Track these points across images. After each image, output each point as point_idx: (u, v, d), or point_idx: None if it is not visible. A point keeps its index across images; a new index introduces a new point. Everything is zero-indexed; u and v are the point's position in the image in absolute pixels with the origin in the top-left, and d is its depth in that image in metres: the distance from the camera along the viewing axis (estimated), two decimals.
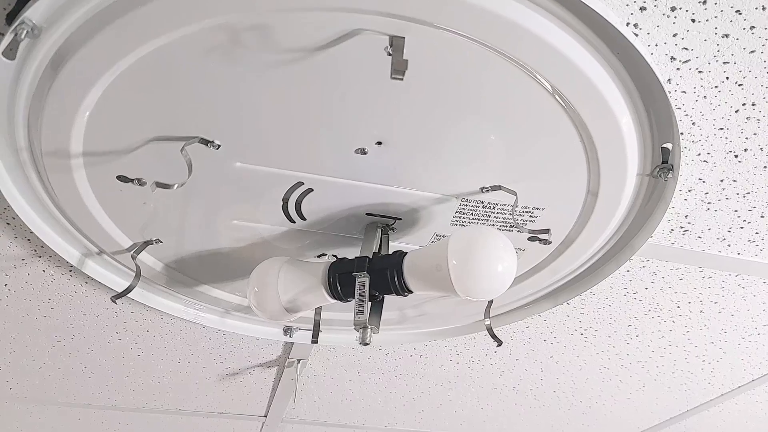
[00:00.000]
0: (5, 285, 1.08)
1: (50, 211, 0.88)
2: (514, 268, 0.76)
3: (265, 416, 1.64)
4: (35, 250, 0.99)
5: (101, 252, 0.95)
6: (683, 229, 0.92)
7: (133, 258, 0.91)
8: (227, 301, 1.07)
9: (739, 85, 0.70)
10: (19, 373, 1.40)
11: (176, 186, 0.71)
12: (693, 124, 0.75)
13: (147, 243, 0.91)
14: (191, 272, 0.99)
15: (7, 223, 0.93)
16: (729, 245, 0.96)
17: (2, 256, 1.00)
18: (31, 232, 0.91)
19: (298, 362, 1.33)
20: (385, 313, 1.11)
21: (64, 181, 0.79)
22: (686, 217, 0.90)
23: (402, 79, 0.55)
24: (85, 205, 0.83)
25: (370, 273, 0.80)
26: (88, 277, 1.02)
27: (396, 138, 0.74)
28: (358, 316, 0.79)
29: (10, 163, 0.78)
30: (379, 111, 0.70)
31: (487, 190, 0.81)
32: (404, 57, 0.59)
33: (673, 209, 0.88)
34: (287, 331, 1.18)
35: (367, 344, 0.79)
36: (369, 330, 0.80)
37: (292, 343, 1.27)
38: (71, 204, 0.83)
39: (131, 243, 0.91)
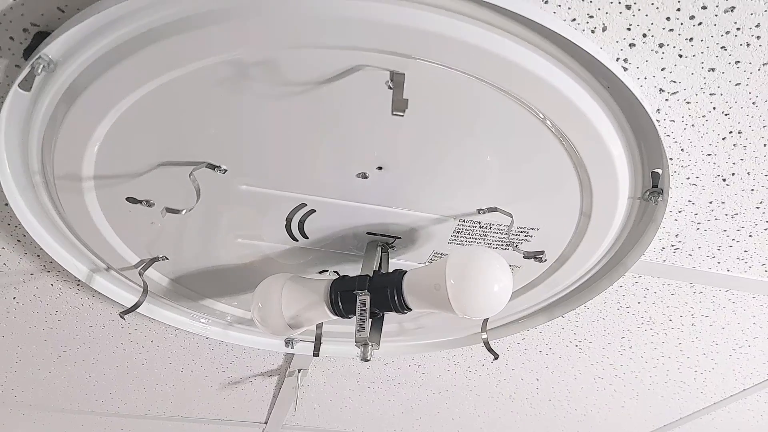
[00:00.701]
0: (14, 298, 1.11)
1: (60, 229, 0.91)
2: (510, 288, 0.78)
3: (266, 423, 1.67)
4: (44, 266, 1.02)
5: (109, 268, 0.98)
6: (674, 248, 0.95)
7: (141, 274, 0.93)
8: (231, 314, 1.10)
9: (726, 115, 0.73)
10: (25, 381, 1.43)
11: (185, 211, 0.73)
12: (682, 150, 0.78)
13: (154, 260, 0.94)
14: (196, 287, 1.02)
15: (18, 240, 0.96)
16: (719, 262, 0.99)
17: (12, 271, 1.03)
18: (41, 249, 0.93)
19: (299, 372, 1.36)
20: (385, 326, 1.13)
21: (75, 202, 0.81)
22: (677, 236, 0.93)
23: (402, 116, 0.58)
24: (94, 225, 0.86)
25: (371, 291, 0.83)
26: (95, 291, 1.05)
27: (396, 163, 0.76)
28: (360, 333, 0.82)
29: (22, 184, 0.81)
30: (380, 139, 0.73)
31: (484, 212, 0.84)
32: (404, 91, 0.62)
33: (663, 228, 0.91)
34: (289, 342, 1.21)
35: (368, 360, 0.82)
36: (370, 346, 0.82)
37: (293, 354, 1.30)
38: (81, 223, 0.86)
39: (138, 259, 0.94)
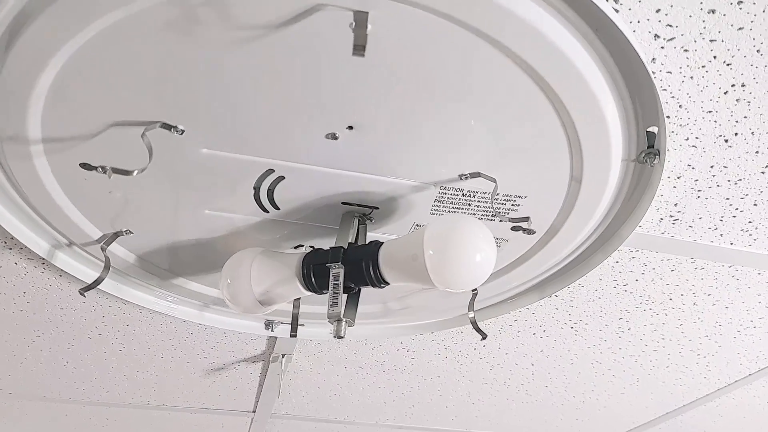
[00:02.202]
0: None
1: (16, 202, 0.85)
2: (493, 258, 0.72)
3: (254, 412, 1.62)
4: (5, 242, 0.96)
5: (71, 243, 0.92)
6: (673, 219, 0.89)
7: (103, 249, 0.88)
8: (204, 294, 1.04)
9: (728, 65, 0.67)
10: (1, 368, 1.38)
11: (136, 172, 0.67)
12: (680, 106, 0.71)
13: (117, 234, 0.88)
14: (165, 264, 0.96)
15: None
16: (721, 235, 0.92)
17: None
18: None
19: (283, 357, 1.30)
20: (368, 307, 1.08)
21: (25, 168, 0.76)
22: (676, 205, 0.86)
23: (363, 56, 0.52)
24: (49, 195, 0.80)
25: (345, 264, 0.77)
26: (62, 270, 0.99)
27: (367, 122, 0.70)
28: (332, 308, 0.76)
29: None
30: (348, 93, 0.67)
31: (466, 178, 0.78)
32: (373, 37, 0.56)
33: (662, 197, 0.84)
34: (269, 325, 1.15)
35: (342, 337, 0.76)
36: (344, 323, 0.77)
37: (276, 338, 1.24)
38: (35, 193, 0.80)
39: (101, 234, 0.88)
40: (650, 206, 0.83)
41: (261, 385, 1.47)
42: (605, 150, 0.72)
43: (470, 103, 0.68)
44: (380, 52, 0.61)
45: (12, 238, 0.94)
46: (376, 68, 0.63)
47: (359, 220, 0.85)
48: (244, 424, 1.69)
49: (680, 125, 0.74)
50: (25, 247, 0.94)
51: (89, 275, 0.98)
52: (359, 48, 0.51)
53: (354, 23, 0.55)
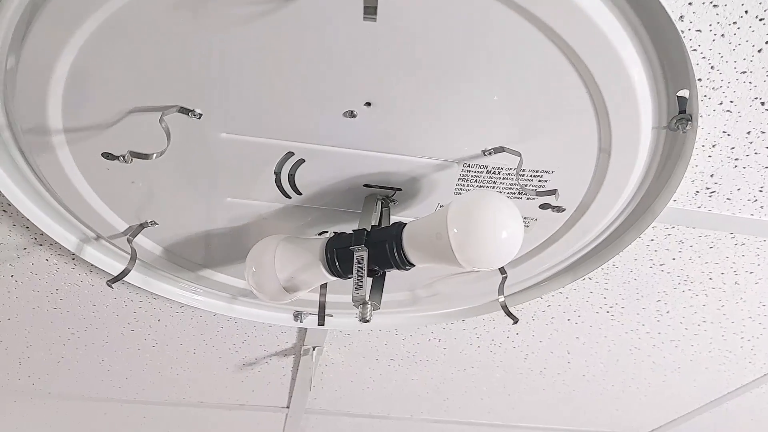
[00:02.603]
0: (11, 276, 1.07)
1: (43, 196, 0.87)
2: (519, 234, 0.70)
3: (288, 408, 1.61)
4: (35, 238, 0.97)
5: (99, 237, 0.93)
6: (710, 191, 0.85)
7: (129, 241, 0.88)
8: (232, 285, 1.04)
9: (761, 20, 0.63)
10: (39, 367, 1.40)
11: (155, 155, 0.67)
12: (711, 68, 0.68)
13: (142, 225, 0.89)
14: (192, 255, 0.96)
15: (3, 211, 0.91)
16: (762, 206, 0.88)
17: (4, 246, 0.99)
18: (27, 219, 0.89)
19: (313, 350, 1.29)
20: (396, 294, 1.07)
21: (49, 160, 0.76)
22: (712, 176, 0.83)
23: (374, 19, 0.51)
24: (74, 187, 0.81)
25: (368, 246, 0.76)
26: (92, 265, 1.00)
27: (386, 97, 0.69)
28: (357, 291, 0.75)
29: None
30: (363, 66, 0.65)
31: (490, 153, 0.76)
32: (387, 6, 0.54)
33: (696, 168, 0.81)
34: (297, 316, 1.15)
35: (368, 321, 0.74)
36: (369, 306, 0.75)
37: (306, 330, 1.24)
38: (61, 186, 0.81)
39: (127, 226, 0.89)
40: (684, 178, 0.79)
41: (293, 379, 1.46)
42: (634, 117, 0.69)
43: (490, 73, 0.66)
44: (395, 19, 0.59)
45: (42, 233, 0.95)
46: (391, 38, 0.61)
47: (382, 202, 0.84)
48: (279, 420, 1.69)
49: (713, 88, 0.70)
50: (55, 242, 0.95)
51: (118, 269, 0.98)
52: (370, 10, 0.50)
53: None
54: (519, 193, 0.81)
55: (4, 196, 0.85)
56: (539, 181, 0.80)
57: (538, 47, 0.63)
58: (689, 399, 1.51)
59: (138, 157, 0.67)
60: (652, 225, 0.88)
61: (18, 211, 0.88)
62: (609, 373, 1.39)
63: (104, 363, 1.39)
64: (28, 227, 0.95)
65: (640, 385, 1.45)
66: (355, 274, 0.76)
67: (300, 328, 1.24)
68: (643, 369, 1.37)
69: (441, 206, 0.85)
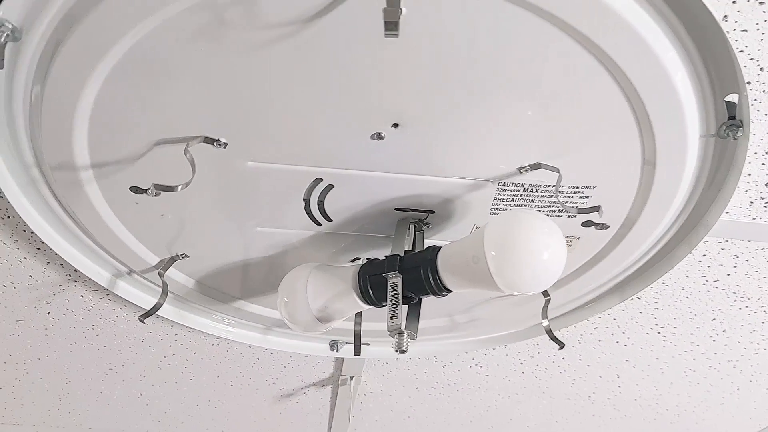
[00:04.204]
0: (48, 313, 1.07)
1: (74, 233, 0.86)
2: (562, 254, 0.66)
3: None
4: (69, 275, 0.97)
5: (131, 272, 0.92)
6: (765, 201, 0.80)
7: (161, 275, 0.87)
8: (266, 316, 1.02)
9: None
10: (79, 403, 1.40)
11: (180, 187, 0.66)
12: (761, 69, 0.63)
13: (173, 259, 0.87)
14: (224, 287, 0.95)
15: (37, 248, 0.91)
16: None
17: (40, 283, 0.99)
18: (61, 257, 0.89)
19: (351, 379, 1.26)
20: (434, 321, 1.03)
21: (78, 196, 0.76)
22: (767, 185, 0.77)
23: (396, 35, 0.48)
24: (104, 222, 0.80)
25: (402, 272, 0.73)
26: (127, 300, 0.99)
27: (413, 117, 0.66)
28: (392, 320, 0.72)
29: (23, 181, 0.76)
30: (389, 86, 0.63)
31: (526, 170, 0.72)
32: (412, 22, 0.52)
33: (749, 177, 0.76)
34: (333, 345, 1.12)
35: (404, 351, 0.71)
36: (405, 336, 0.72)
37: (342, 359, 1.21)
38: (91, 221, 0.80)
39: (158, 260, 0.88)
40: (737, 188, 0.74)
41: (332, 410, 1.43)
42: (679, 125, 0.65)
43: (523, 86, 0.63)
44: (419, 34, 0.57)
45: (75, 270, 0.95)
46: (416, 54, 0.59)
47: (415, 226, 0.81)
48: None
49: (763, 91, 0.66)
50: (89, 279, 0.95)
51: (152, 303, 0.97)
52: (391, 26, 0.48)
53: (386, 3, 0.51)
54: (559, 211, 0.77)
55: (37, 235, 0.85)
56: (580, 197, 0.76)
57: (572, 56, 0.60)
58: (750, 422, 1.42)
59: (163, 190, 0.65)
60: (704, 239, 0.83)
61: (51, 249, 0.88)
62: (662, 396, 1.32)
63: (142, 397, 1.38)
64: (62, 264, 0.95)
65: (697, 409, 1.37)
66: (389, 302, 0.73)
67: (337, 358, 1.21)
68: (699, 391, 1.29)
69: (477, 228, 0.81)
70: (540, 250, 0.65)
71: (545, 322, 0.88)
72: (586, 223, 0.80)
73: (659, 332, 1.09)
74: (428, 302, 0.77)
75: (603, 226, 0.80)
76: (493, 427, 1.48)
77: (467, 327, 1.04)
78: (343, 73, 0.61)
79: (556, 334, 1.07)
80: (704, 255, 0.90)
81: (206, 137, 0.68)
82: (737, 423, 1.42)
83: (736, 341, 1.11)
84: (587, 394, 1.32)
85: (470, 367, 1.22)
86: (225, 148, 0.69)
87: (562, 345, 0.87)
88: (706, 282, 0.96)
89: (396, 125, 0.67)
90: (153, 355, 1.21)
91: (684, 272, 0.94)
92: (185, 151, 0.66)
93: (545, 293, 0.88)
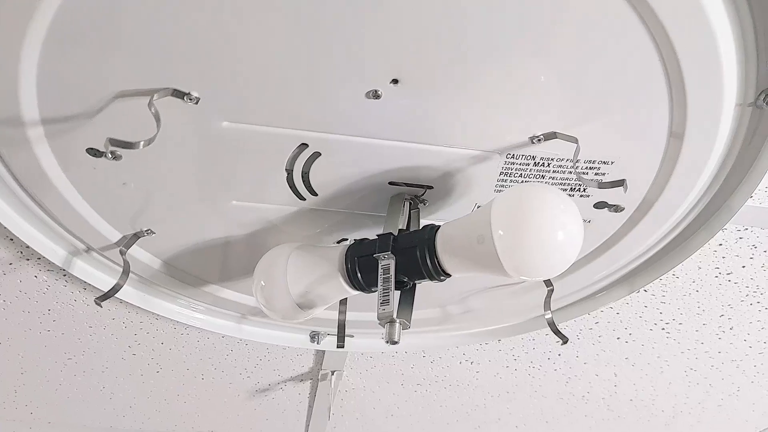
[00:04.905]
0: None
1: (26, 204, 0.76)
2: (579, 235, 0.58)
3: None
4: (21, 252, 0.87)
5: (89, 249, 0.83)
6: None
7: (122, 253, 0.78)
8: (241, 303, 0.93)
9: None
10: (36, 395, 1.30)
11: (141, 144, 0.56)
12: None
13: (137, 235, 0.78)
14: (194, 269, 0.85)
15: None
16: None
17: None
18: (10, 231, 0.79)
19: (332, 374, 1.18)
20: (424, 312, 0.95)
21: (27, 159, 0.66)
22: None
23: None
24: (56, 189, 0.70)
25: (395, 253, 0.65)
26: (86, 282, 0.89)
27: (416, 72, 0.58)
28: (383, 307, 0.63)
29: None
30: (389, 35, 0.54)
31: (540, 140, 0.64)
32: None
33: None
34: (314, 337, 1.03)
35: (396, 342, 0.63)
36: (397, 325, 0.64)
37: (324, 352, 1.12)
38: (41, 189, 0.71)
39: (120, 236, 0.78)
40: None
41: (311, 407, 1.35)
42: (716, 92, 0.57)
43: (541, 38, 0.55)
44: None
45: (27, 247, 0.85)
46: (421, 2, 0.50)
47: (411, 203, 0.72)
48: None
49: None
50: (43, 257, 0.85)
51: (111, 284, 0.87)
52: None
53: None
54: (571, 189, 0.70)
55: None
56: (595, 174, 0.68)
57: (602, 6, 0.51)
58: (745, 425, 1.37)
59: (121, 146, 0.56)
60: (724, 226, 0.76)
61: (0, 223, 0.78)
62: (659, 396, 1.25)
63: (105, 390, 1.28)
64: (12, 239, 0.85)
65: (693, 410, 1.31)
66: (380, 287, 0.64)
67: (317, 351, 1.13)
68: (698, 392, 1.23)
69: (478, 207, 0.73)
70: (554, 229, 0.58)
71: (548, 315, 0.80)
72: (600, 204, 0.72)
73: (663, 328, 1.02)
74: (419, 291, 0.68)
75: (618, 208, 0.72)
76: (479, 427, 1.40)
77: (460, 319, 0.96)
78: (336, 18, 0.52)
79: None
80: (720, 244, 0.83)
81: (175, 90, 0.59)
82: (733, 425, 1.36)
83: (742, 339, 1.05)
84: (581, 394, 1.25)
85: (460, 362, 1.15)
86: (197, 104, 0.60)
87: (565, 340, 0.79)
88: (719, 274, 0.89)
89: (395, 81, 0.58)
90: (116, 344, 1.11)
91: (697, 263, 0.87)
92: (150, 105, 0.57)
93: (548, 283, 0.80)
